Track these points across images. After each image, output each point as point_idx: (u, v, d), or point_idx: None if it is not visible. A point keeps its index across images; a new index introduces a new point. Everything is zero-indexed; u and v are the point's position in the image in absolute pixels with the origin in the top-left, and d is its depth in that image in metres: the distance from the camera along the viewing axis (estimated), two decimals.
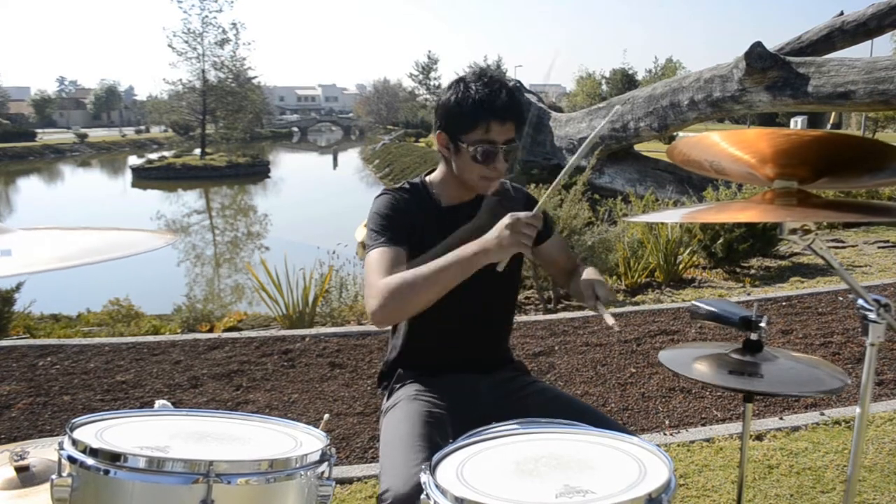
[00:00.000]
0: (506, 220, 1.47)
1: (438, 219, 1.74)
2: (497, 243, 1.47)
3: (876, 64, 9.47)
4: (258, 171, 33.18)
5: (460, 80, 1.69)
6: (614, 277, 6.09)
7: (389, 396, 1.79)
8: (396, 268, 1.59)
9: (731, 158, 1.32)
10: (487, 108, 1.61)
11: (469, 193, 1.77)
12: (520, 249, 1.48)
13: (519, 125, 1.67)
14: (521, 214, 1.47)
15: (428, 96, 59.47)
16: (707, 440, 2.98)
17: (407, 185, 1.80)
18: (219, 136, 36.00)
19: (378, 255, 1.63)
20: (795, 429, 3.07)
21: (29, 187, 33.45)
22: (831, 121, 25.98)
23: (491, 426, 1.40)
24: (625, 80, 44.60)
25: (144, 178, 31.17)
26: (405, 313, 1.62)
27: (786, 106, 10.71)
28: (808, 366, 1.63)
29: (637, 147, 13.52)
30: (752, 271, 6.49)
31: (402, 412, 1.65)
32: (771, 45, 10.68)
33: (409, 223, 1.70)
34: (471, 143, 1.64)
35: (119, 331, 5.10)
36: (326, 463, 1.33)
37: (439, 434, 1.56)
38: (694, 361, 1.62)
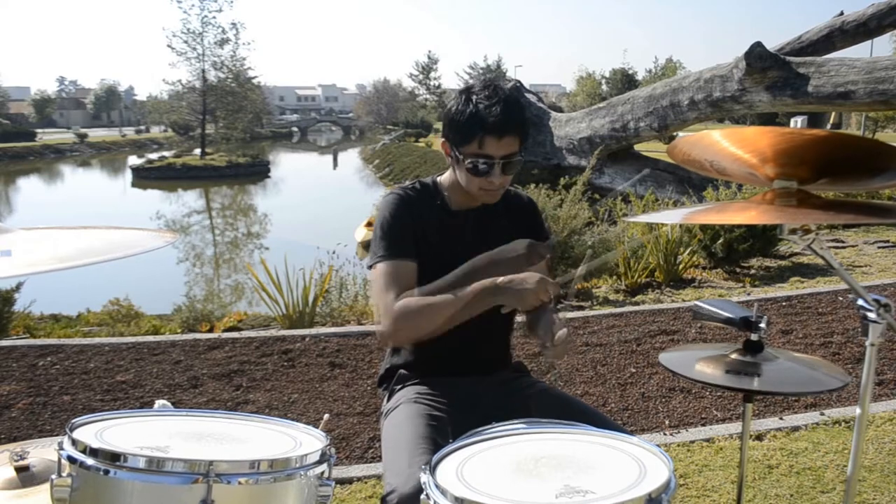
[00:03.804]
0: (536, 278, 1.50)
1: (446, 222, 1.74)
2: (517, 296, 1.50)
3: (876, 64, 9.48)
4: (258, 171, 33.16)
5: (467, 89, 1.66)
6: (614, 277, 6.09)
7: (390, 398, 1.79)
8: (405, 284, 1.62)
9: (732, 158, 1.32)
10: (480, 123, 1.59)
11: (477, 200, 1.76)
12: (532, 307, 1.51)
13: (522, 139, 1.64)
14: (551, 280, 1.50)
15: (428, 96, 59.48)
16: (707, 440, 2.98)
17: (418, 185, 1.79)
18: (219, 136, 36.02)
19: (387, 270, 1.64)
20: (795, 429, 3.07)
21: (29, 187, 33.42)
22: (831, 121, 25.94)
23: (491, 426, 1.40)
24: (625, 80, 44.68)
25: (144, 178, 31.15)
26: (415, 339, 1.68)
27: (786, 106, 10.72)
28: (808, 366, 1.63)
29: (637, 147, 13.53)
30: (752, 271, 6.49)
31: (403, 414, 1.65)
32: (771, 45, 10.69)
33: (416, 225, 1.70)
34: (467, 156, 1.63)
35: (119, 331, 5.10)
36: (326, 463, 1.33)
37: (441, 435, 1.56)
38: (695, 363, 1.62)
